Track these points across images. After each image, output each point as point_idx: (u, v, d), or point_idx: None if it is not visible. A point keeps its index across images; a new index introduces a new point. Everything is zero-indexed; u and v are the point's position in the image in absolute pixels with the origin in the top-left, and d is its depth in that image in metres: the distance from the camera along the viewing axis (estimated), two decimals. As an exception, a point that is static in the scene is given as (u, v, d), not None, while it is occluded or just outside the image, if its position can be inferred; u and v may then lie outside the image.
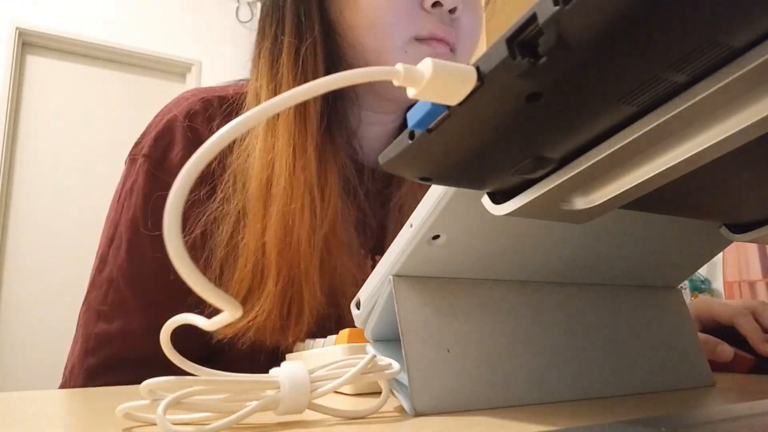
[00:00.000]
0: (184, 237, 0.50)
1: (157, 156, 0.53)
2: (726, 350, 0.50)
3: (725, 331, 0.55)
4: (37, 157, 2.73)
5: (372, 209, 0.59)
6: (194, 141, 0.54)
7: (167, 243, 0.16)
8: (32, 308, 2.57)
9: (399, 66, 0.17)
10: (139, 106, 2.89)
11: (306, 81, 0.50)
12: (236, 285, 0.49)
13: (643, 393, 0.35)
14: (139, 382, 0.52)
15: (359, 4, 0.52)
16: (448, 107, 0.18)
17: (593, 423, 0.24)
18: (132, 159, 0.55)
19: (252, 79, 0.56)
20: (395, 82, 0.17)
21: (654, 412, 0.27)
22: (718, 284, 2.07)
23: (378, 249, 0.58)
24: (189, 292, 0.44)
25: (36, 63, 2.80)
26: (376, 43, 0.53)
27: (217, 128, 0.54)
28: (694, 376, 0.38)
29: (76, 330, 0.54)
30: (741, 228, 0.32)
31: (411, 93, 0.17)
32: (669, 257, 0.38)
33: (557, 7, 0.14)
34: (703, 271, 2.13)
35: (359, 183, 0.58)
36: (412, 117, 0.19)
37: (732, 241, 0.35)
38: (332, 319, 0.51)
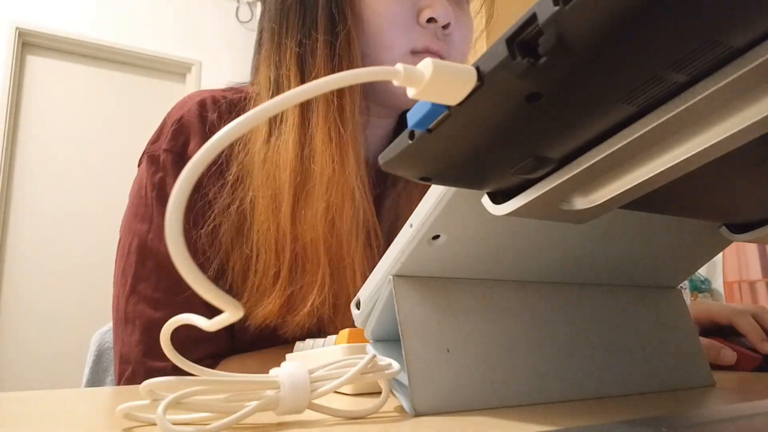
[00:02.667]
0: (200, 228, 0.53)
1: (178, 149, 0.56)
2: (729, 354, 0.51)
3: (725, 331, 0.55)
4: (37, 157, 2.73)
5: (377, 202, 0.61)
6: (209, 133, 0.56)
7: (168, 243, 0.16)
8: (32, 308, 2.57)
9: (399, 66, 0.17)
10: (139, 106, 2.90)
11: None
12: (261, 275, 0.51)
13: (643, 393, 0.35)
14: (208, 359, 0.53)
15: (364, 16, 0.56)
16: (448, 107, 0.18)
17: (593, 423, 0.24)
18: (151, 156, 0.57)
19: (268, 71, 0.58)
20: (395, 82, 0.17)
21: (654, 412, 0.27)
22: (718, 284, 2.07)
23: (378, 238, 0.60)
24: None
25: (36, 63, 2.80)
26: (377, 53, 0.57)
27: (226, 114, 0.56)
28: (694, 376, 0.38)
29: (126, 323, 0.54)
30: (741, 228, 0.32)
31: (411, 93, 0.17)
32: (669, 257, 0.38)
33: (557, 7, 0.14)
34: (703, 271, 2.13)
35: (375, 180, 0.61)
36: (412, 117, 0.19)
37: (732, 241, 0.35)
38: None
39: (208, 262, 0.53)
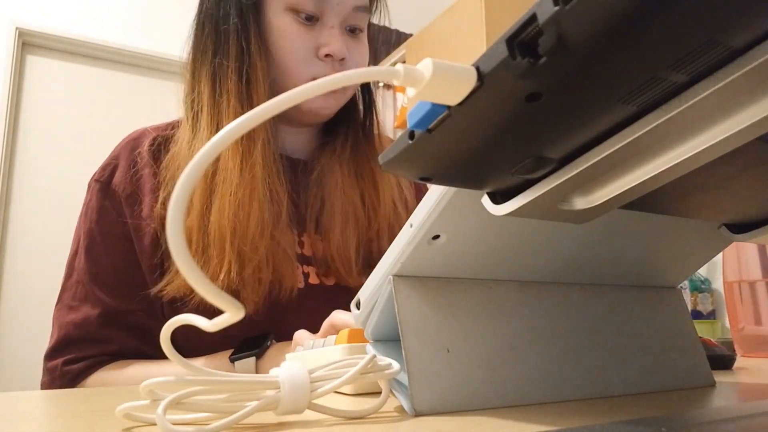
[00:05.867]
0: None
1: (104, 180, 0.67)
2: None
3: None
4: (37, 157, 2.73)
5: (298, 192, 0.71)
6: (134, 165, 0.67)
7: (170, 243, 0.16)
8: (32, 308, 2.57)
9: (399, 66, 0.17)
10: (139, 106, 2.89)
11: (251, 102, 0.63)
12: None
13: (643, 393, 0.35)
14: (95, 356, 0.63)
15: (270, 50, 0.66)
16: (448, 107, 0.18)
17: (593, 423, 0.24)
18: (89, 184, 0.69)
19: (188, 93, 0.68)
20: (395, 82, 0.17)
21: (654, 412, 0.27)
22: (718, 284, 2.07)
23: (301, 222, 0.70)
24: (139, 287, 0.62)
25: (36, 63, 2.80)
26: (284, 81, 0.67)
27: (156, 149, 0.67)
28: (694, 376, 0.38)
29: (53, 325, 0.66)
30: (741, 228, 0.33)
31: (411, 93, 0.17)
32: (669, 257, 0.38)
33: (557, 7, 0.14)
34: (703, 271, 2.13)
35: (293, 174, 0.71)
36: (412, 117, 0.19)
37: (732, 241, 0.35)
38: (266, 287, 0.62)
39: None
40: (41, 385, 0.64)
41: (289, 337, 0.55)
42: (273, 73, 0.67)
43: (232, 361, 0.57)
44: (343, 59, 0.68)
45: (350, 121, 0.76)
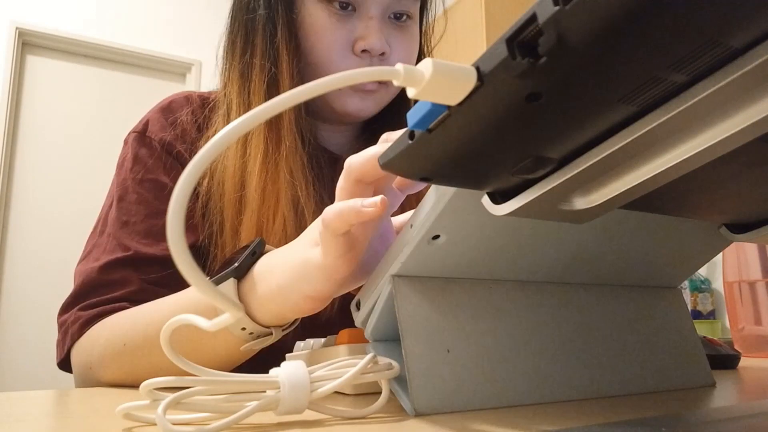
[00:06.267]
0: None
1: (140, 129, 0.63)
2: None
3: None
4: (37, 157, 2.73)
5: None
6: (171, 123, 0.63)
7: (171, 244, 0.16)
8: (32, 308, 2.57)
9: (399, 66, 0.17)
10: (139, 106, 2.89)
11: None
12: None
13: (643, 393, 0.35)
14: (116, 299, 0.57)
15: (302, 48, 0.60)
16: (448, 107, 0.18)
17: (593, 423, 0.24)
18: (125, 140, 0.65)
19: (222, 90, 0.64)
20: (395, 82, 0.17)
21: (654, 412, 0.27)
22: (718, 284, 2.07)
23: None
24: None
25: (36, 63, 2.80)
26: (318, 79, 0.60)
27: (194, 116, 0.63)
28: (694, 376, 0.38)
29: (73, 281, 0.59)
30: (741, 228, 0.32)
31: (411, 93, 0.17)
32: (669, 257, 0.38)
33: (557, 7, 0.14)
34: (703, 271, 2.13)
35: (333, 172, 0.65)
36: (412, 117, 0.19)
37: (732, 241, 0.35)
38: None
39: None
40: (56, 344, 0.58)
41: (315, 335, 0.46)
42: (305, 74, 0.60)
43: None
44: (383, 54, 0.59)
45: (392, 122, 0.68)
